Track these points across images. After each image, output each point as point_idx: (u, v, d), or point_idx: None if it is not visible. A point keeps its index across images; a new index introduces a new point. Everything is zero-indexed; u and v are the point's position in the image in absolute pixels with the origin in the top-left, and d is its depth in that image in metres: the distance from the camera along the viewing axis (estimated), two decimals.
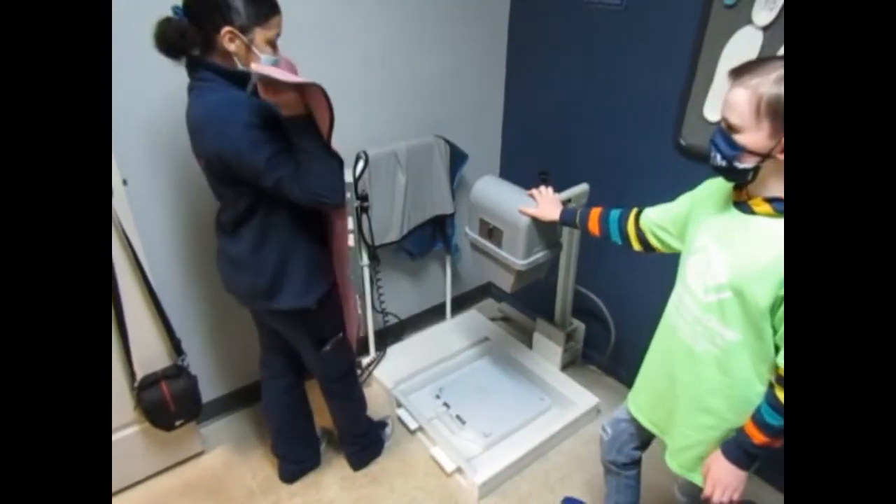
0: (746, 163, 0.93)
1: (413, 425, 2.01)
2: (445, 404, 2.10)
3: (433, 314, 2.55)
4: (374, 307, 2.24)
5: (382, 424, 1.98)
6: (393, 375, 2.17)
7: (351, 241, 1.96)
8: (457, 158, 2.20)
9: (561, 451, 1.98)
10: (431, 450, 1.92)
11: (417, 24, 1.96)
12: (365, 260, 2.10)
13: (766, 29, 1.45)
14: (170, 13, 1.14)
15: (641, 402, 1.31)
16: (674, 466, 1.21)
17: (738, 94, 0.90)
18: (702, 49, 1.60)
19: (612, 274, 2.14)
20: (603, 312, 2.21)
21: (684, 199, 1.21)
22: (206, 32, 1.14)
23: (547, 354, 2.28)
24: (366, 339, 2.29)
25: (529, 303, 2.56)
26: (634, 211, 1.34)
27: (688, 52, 1.64)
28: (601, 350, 2.28)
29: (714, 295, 1.03)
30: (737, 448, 1.05)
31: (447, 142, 2.14)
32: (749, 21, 1.48)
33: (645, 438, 1.39)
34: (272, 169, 1.15)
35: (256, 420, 2.06)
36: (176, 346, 1.67)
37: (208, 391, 1.92)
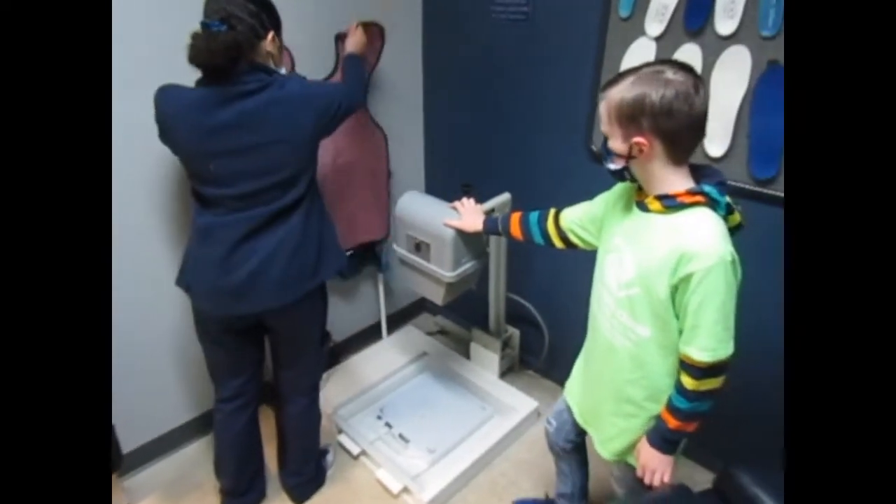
0: (617, 164, 1.03)
1: (355, 450, 1.96)
2: (388, 424, 2.07)
3: (369, 334, 2.52)
4: None
5: (324, 452, 1.92)
6: (331, 401, 2.11)
7: None
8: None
9: (506, 458, 1.99)
10: (376, 472, 1.88)
11: (327, 39, 1.95)
12: None
13: (658, 39, 1.56)
14: (198, 28, 1.21)
15: (575, 392, 1.38)
16: (606, 455, 1.27)
17: (601, 106, 1.01)
18: (603, 59, 1.69)
19: (541, 279, 2.20)
20: (535, 317, 2.26)
21: (599, 201, 1.27)
22: (254, 39, 1.26)
23: (485, 363, 2.30)
24: None
25: (464, 314, 2.58)
26: (553, 211, 1.40)
27: (591, 62, 1.73)
28: (537, 354, 2.33)
29: (625, 291, 1.09)
30: (656, 434, 1.13)
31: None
32: (643, 32, 1.58)
33: None
34: (345, 95, 1.45)
35: (186, 463, 1.94)
36: None
37: (130, 439, 1.79)
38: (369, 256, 2.28)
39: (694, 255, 0.95)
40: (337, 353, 2.38)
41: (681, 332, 1.04)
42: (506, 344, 2.28)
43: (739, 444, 1.69)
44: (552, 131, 1.96)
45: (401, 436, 2.01)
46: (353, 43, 1.72)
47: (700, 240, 0.96)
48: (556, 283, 2.16)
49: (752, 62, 1.40)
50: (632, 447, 1.21)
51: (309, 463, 1.79)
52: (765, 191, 1.47)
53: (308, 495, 1.82)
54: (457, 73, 2.20)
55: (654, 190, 1.03)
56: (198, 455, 1.98)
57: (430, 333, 2.60)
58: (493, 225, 1.53)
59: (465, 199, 1.65)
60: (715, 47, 1.45)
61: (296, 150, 1.35)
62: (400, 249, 1.83)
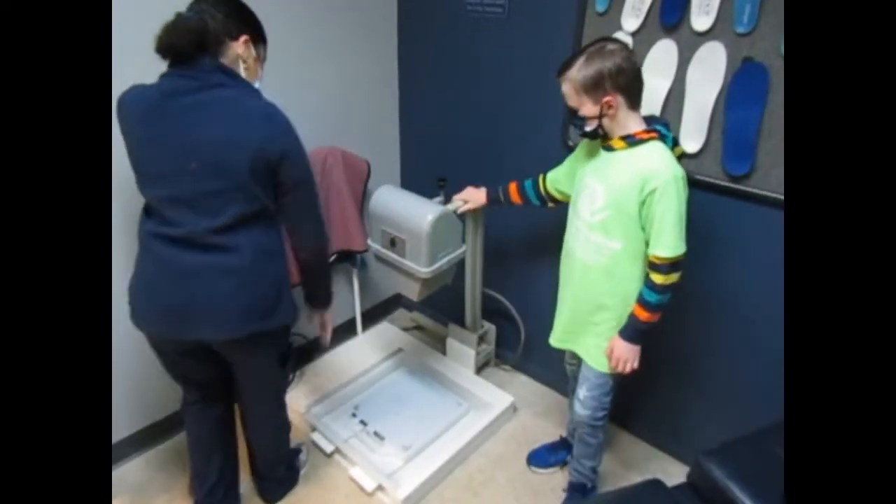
0: (591, 125, 1.31)
1: (329, 448, 1.93)
2: (362, 422, 2.04)
3: (344, 330, 2.48)
4: None
5: (296, 451, 1.88)
6: (304, 399, 2.07)
7: None
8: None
9: (482, 454, 1.99)
10: (350, 471, 1.86)
11: (302, 34, 1.91)
12: None
13: (634, 34, 1.55)
14: (173, 16, 1.14)
15: (557, 333, 1.60)
16: (591, 362, 1.50)
17: (564, 87, 1.30)
18: None
19: (517, 274, 2.20)
20: (511, 312, 2.25)
21: (571, 159, 1.56)
22: (224, 35, 1.19)
23: (461, 359, 2.29)
24: None
25: (441, 309, 2.56)
26: (541, 177, 1.65)
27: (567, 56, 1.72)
28: (513, 349, 2.33)
29: (598, 216, 1.36)
30: (630, 328, 1.39)
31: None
32: (619, 27, 1.58)
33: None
34: (313, 184, 1.31)
35: (158, 463, 1.88)
36: None
37: None
38: (345, 254, 2.24)
39: (654, 174, 1.24)
40: (310, 351, 2.34)
41: (646, 242, 1.32)
42: (482, 339, 2.27)
43: (711, 436, 1.71)
44: (528, 126, 1.95)
45: (375, 433, 1.98)
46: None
47: (657, 163, 1.26)
48: (531, 278, 2.15)
49: (728, 58, 1.40)
50: (604, 352, 1.45)
51: (278, 465, 1.75)
52: (738, 187, 1.48)
53: (280, 496, 1.78)
54: (433, 68, 2.18)
55: (619, 133, 1.31)
56: (168, 456, 1.93)
57: (405, 329, 2.57)
58: (494, 194, 1.73)
59: (470, 188, 1.78)
60: (690, 43, 1.46)
61: (235, 175, 1.19)
62: (374, 245, 1.80)
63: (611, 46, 1.26)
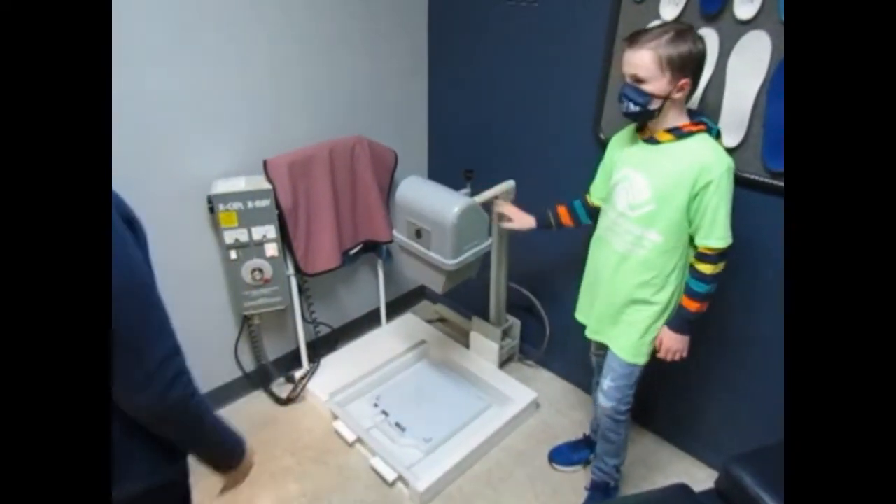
0: (655, 105, 1.25)
1: (351, 437, 1.93)
2: (384, 412, 2.04)
3: (368, 320, 2.49)
4: (303, 318, 2.15)
5: None
6: (327, 387, 2.08)
7: (276, 250, 1.87)
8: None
9: (502, 449, 1.97)
10: (371, 460, 1.86)
11: (331, 23, 1.90)
12: (291, 269, 2.00)
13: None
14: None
15: (590, 324, 1.58)
16: (619, 353, 1.49)
17: (644, 55, 1.22)
18: (615, 44, 1.63)
19: (544, 269, 2.16)
20: (537, 307, 2.22)
21: (602, 165, 1.54)
22: None
23: (484, 353, 2.27)
24: (297, 351, 2.19)
25: (465, 302, 2.54)
26: (585, 196, 1.62)
27: (601, 47, 1.67)
28: (537, 345, 2.30)
29: (642, 209, 1.34)
30: (678, 319, 1.40)
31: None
32: (657, 16, 1.52)
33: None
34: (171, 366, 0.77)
35: None
36: None
37: None
38: (370, 245, 2.24)
39: (709, 167, 1.24)
40: (335, 339, 2.35)
41: (692, 234, 1.33)
42: (506, 334, 2.25)
43: (740, 442, 1.66)
44: (559, 118, 1.90)
45: (397, 424, 1.99)
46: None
47: (711, 155, 1.25)
48: (558, 273, 2.12)
49: (772, 48, 1.34)
50: (634, 343, 1.45)
51: None
52: (778, 183, 1.42)
53: None
54: (463, 58, 2.14)
55: (663, 125, 1.30)
56: None
57: (429, 321, 2.56)
58: (543, 218, 1.69)
59: (510, 206, 1.76)
60: (732, 32, 1.39)
61: None
62: (400, 236, 1.79)
63: (696, 32, 1.24)
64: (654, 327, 1.43)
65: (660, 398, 1.92)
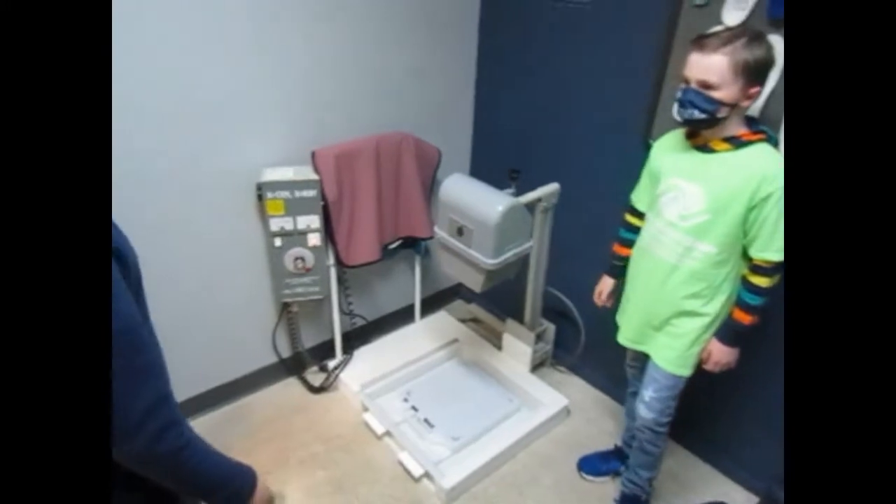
0: (723, 112, 1.20)
1: (380, 430, 1.95)
2: (413, 408, 2.05)
3: (402, 316, 2.50)
4: (340, 309, 2.17)
5: None
6: (359, 379, 2.10)
7: (318, 240, 1.90)
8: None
9: (530, 453, 1.95)
10: (399, 455, 1.87)
11: (386, 21, 1.92)
12: (331, 260, 2.03)
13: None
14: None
15: (627, 332, 1.54)
16: (661, 363, 1.45)
17: (716, 59, 1.16)
18: (672, 49, 1.60)
19: (582, 275, 2.12)
20: (573, 313, 2.19)
21: (646, 171, 1.49)
22: None
23: (516, 356, 2.25)
24: (332, 341, 2.22)
25: (499, 304, 2.53)
26: (626, 215, 1.56)
27: (657, 51, 1.64)
28: (571, 351, 2.27)
29: (695, 219, 1.30)
30: (730, 332, 1.36)
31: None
32: (719, 21, 1.48)
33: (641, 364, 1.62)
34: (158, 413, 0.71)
35: (214, 425, 1.97)
36: None
37: None
38: (409, 241, 2.26)
39: (770, 178, 1.19)
40: (369, 332, 2.38)
41: (746, 246, 1.28)
42: (539, 338, 2.23)
43: (780, 464, 1.60)
44: (607, 122, 1.87)
45: (426, 420, 1.99)
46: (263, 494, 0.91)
47: (772, 166, 1.20)
48: (597, 280, 2.08)
49: None
50: (680, 354, 1.41)
51: None
52: None
53: None
54: (511, 57, 2.13)
55: (721, 134, 1.25)
56: (228, 417, 2.01)
57: (462, 321, 2.56)
58: (615, 266, 1.63)
59: (599, 286, 1.69)
60: None
61: None
62: (441, 233, 1.79)
63: (765, 41, 1.18)
64: (701, 339, 1.39)
65: (697, 412, 1.86)
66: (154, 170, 1.61)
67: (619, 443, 1.86)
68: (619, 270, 1.60)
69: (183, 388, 1.92)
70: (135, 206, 1.60)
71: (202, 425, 1.98)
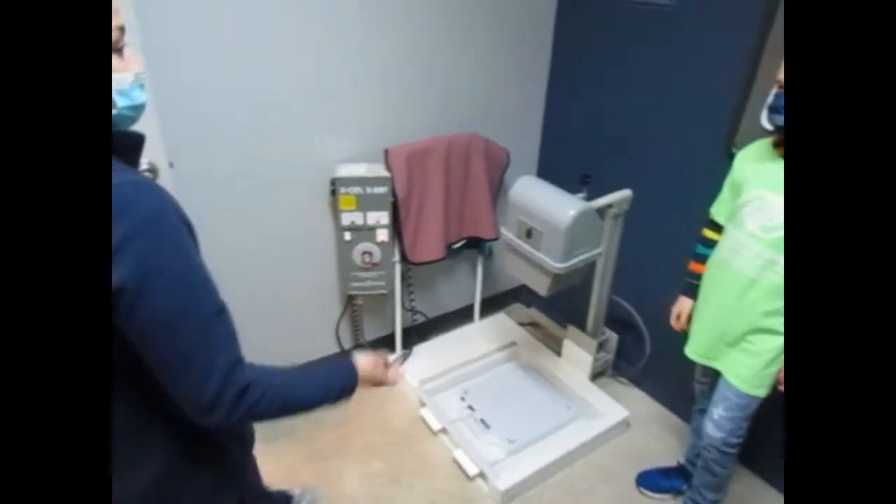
0: None
1: (436, 426, 1.97)
2: (470, 407, 2.06)
3: (461, 315, 2.52)
4: (403, 304, 2.21)
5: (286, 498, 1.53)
6: (418, 374, 2.13)
7: (386, 236, 1.95)
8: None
9: (588, 463, 1.92)
10: (454, 452, 1.88)
11: (459, 18, 1.94)
12: (397, 256, 2.07)
13: None
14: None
15: (697, 346, 1.49)
16: (735, 381, 1.39)
17: None
18: (763, 53, 1.53)
19: (650, 285, 2.07)
20: (638, 324, 2.14)
21: (729, 181, 1.43)
22: None
23: (576, 363, 2.22)
24: (393, 336, 2.26)
25: (560, 310, 2.50)
26: (704, 229, 1.52)
27: (746, 56, 1.58)
28: (633, 362, 2.21)
29: (775, 232, 1.25)
30: None
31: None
32: None
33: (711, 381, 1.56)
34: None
35: None
36: None
37: None
38: (473, 241, 2.27)
39: None
40: (429, 329, 2.41)
41: None
42: (601, 346, 2.18)
43: None
44: (684, 129, 1.81)
45: (482, 420, 1.99)
46: (365, 365, 0.97)
47: None
48: (666, 292, 2.02)
49: None
50: (756, 373, 1.35)
51: None
52: None
53: None
54: (585, 60, 2.10)
55: None
56: None
57: (521, 324, 2.55)
58: (690, 284, 1.57)
59: (676, 306, 1.63)
60: None
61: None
62: (509, 234, 1.79)
63: None
64: (779, 358, 1.32)
65: (769, 436, 1.77)
66: (243, 159, 1.70)
67: (682, 460, 1.80)
68: (698, 290, 1.54)
69: None
70: (220, 194, 1.69)
71: None
